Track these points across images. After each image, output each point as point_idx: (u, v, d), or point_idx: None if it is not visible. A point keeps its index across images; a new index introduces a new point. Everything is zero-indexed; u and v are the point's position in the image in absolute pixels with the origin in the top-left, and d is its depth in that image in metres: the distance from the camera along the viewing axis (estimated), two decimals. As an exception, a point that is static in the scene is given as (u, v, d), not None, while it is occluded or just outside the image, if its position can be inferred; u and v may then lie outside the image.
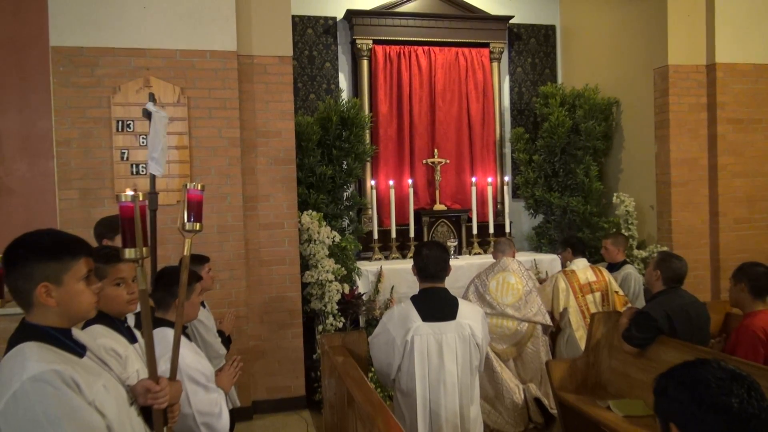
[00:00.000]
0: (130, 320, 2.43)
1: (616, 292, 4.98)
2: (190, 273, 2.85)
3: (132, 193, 1.88)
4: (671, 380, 1.52)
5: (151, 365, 1.98)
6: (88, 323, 2.13)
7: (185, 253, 2.18)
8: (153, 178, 3.60)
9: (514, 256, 4.85)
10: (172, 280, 2.77)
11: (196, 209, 2.20)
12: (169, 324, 2.69)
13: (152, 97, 3.58)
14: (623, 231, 6.17)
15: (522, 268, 4.78)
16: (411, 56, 6.93)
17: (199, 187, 2.22)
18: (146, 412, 1.98)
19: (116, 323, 2.24)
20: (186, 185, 2.19)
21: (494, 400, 4.43)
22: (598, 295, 4.87)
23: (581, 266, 4.98)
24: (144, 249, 1.89)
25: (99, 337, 2.11)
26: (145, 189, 4.76)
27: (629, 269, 5.28)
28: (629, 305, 4.80)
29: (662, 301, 3.77)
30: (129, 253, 1.88)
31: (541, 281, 5.31)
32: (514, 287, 4.50)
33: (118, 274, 2.21)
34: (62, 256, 1.73)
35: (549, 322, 4.73)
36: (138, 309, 2.35)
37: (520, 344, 4.57)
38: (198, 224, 2.19)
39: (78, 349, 1.77)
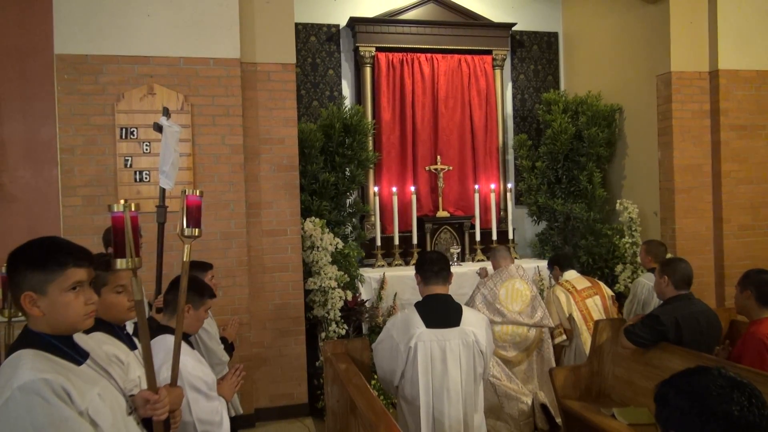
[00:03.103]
0: (129, 328, 2.43)
1: (612, 297, 4.99)
2: (205, 289, 2.87)
3: (123, 202, 1.88)
4: (672, 388, 1.51)
5: (149, 376, 1.96)
6: (90, 331, 2.13)
7: (185, 259, 2.18)
8: (162, 191, 3.59)
9: (512, 263, 4.83)
10: (188, 285, 2.79)
11: (195, 215, 2.20)
12: (173, 331, 2.68)
13: (166, 112, 3.56)
14: (626, 238, 6.15)
15: (526, 274, 4.78)
16: (414, 63, 6.94)
17: (198, 193, 2.22)
18: (148, 423, 1.96)
19: (116, 330, 2.24)
20: (184, 191, 2.20)
21: (498, 411, 4.40)
22: (597, 299, 4.86)
23: (573, 276, 5.00)
24: (137, 259, 1.89)
25: (101, 344, 2.11)
26: (149, 196, 4.79)
27: (636, 282, 5.19)
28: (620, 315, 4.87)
29: (675, 308, 3.72)
30: (121, 263, 1.88)
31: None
32: (522, 293, 4.48)
33: (118, 281, 2.21)
34: (47, 266, 1.71)
35: (552, 324, 4.76)
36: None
37: (529, 350, 4.55)
38: (197, 230, 2.19)
39: (76, 357, 1.77)
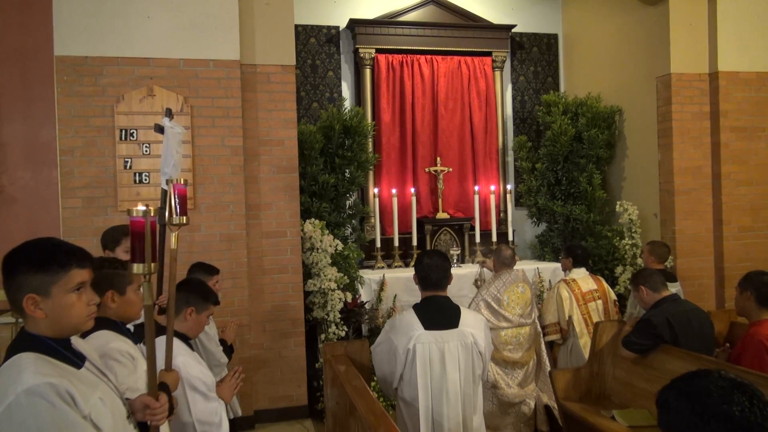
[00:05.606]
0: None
1: (615, 301, 4.98)
2: (210, 295, 2.93)
3: (144, 208, 1.87)
4: (672, 391, 1.51)
5: (151, 381, 1.97)
6: (93, 330, 2.14)
7: (173, 247, 2.24)
8: (164, 193, 3.58)
9: (515, 265, 4.80)
10: (193, 288, 2.83)
11: (181, 203, 2.25)
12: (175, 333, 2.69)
13: (168, 113, 3.55)
14: (626, 239, 6.14)
15: (527, 276, 4.76)
16: (414, 65, 6.94)
17: (182, 182, 2.27)
18: (143, 427, 1.95)
19: (120, 327, 2.28)
20: (168, 181, 2.24)
21: (499, 420, 4.39)
22: (600, 303, 4.86)
23: (581, 275, 4.97)
24: (153, 264, 1.89)
25: (111, 341, 2.14)
26: (148, 197, 4.78)
27: None
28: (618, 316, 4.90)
29: (663, 309, 3.80)
30: (137, 268, 1.88)
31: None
32: (524, 296, 4.46)
33: (140, 282, 2.24)
34: (51, 267, 1.69)
35: (545, 322, 4.84)
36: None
37: (531, 348, 4.52)
38: (184, 217, 2.25)
39: (76, 360, 1.75)
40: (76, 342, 1.83)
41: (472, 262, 6.57)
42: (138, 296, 2.30)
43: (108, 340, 2.15)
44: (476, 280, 5.67)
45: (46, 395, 1.56)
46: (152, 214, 1.90)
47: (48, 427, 1.55)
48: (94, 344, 2.09)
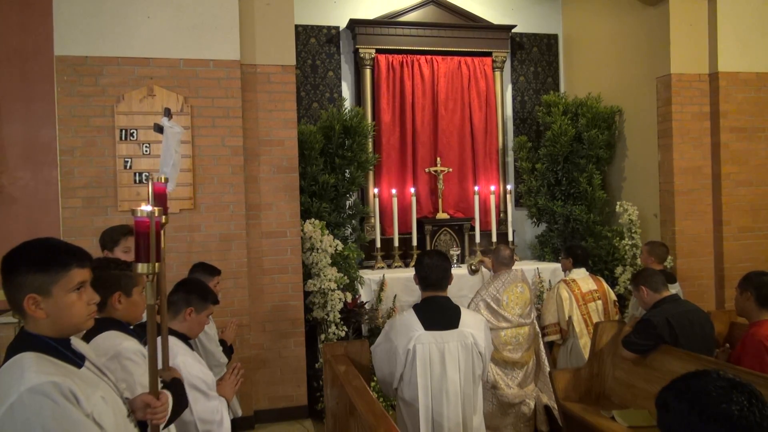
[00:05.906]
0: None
1: (615, 301, 4.98)
2: (209, 294, 2.96)
3: (149, 208, 1.88)
4: (671, 392, 1.51)
5: (153, 380, 1.97)
6: (100, 330, 2.15)
7: (162, 246, 2.26)
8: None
9: (514, 264, 4.80)
10: (193, 289, 2.84)
11: (162, 202, 2.27)
12: (173, 333, 2.69)
13: (167, 112, 3.53)
14: (626, 240, 6.14)
15: (526, 276, 4.76)
16: (414, 65, 6.95)
17: (163, 180, 2.29)
18: (142, 426, 1.95)
19: (126, 327, 2.29)
20: (148, 177, 2.27)
21: (499, 420, 4.39)
22: (600, 303, 4.86)
23: (581, 275, 4.97)
24: (157, 264, 1.90)
25: (123, 342, 2.16)
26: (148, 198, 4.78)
27: None
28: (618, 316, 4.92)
29: (663, 309, 3.81)
30: (142, 267, 1.88)
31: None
32: (524, 296, 4.46)
33: (145, 282, 2.26)
34: (51, 267, 1.69)
35: (544, 323, 4.86)
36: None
37: (530, 347, 4.52)
38: (164, 216, 2.26)
39: (76, 360, 1.75)
40: (76, 342, 1.83)
41: (472, 263, 6.56)
42: (142, 298, 2.30)
43: (119, 340, 2.17)
44: (470, 265, 5.59)
45: (49, 394, 1.56)
46: (156, 214, 1.91)
47: (52, 425, 1.55)
48: (104, 345, 2.11)
